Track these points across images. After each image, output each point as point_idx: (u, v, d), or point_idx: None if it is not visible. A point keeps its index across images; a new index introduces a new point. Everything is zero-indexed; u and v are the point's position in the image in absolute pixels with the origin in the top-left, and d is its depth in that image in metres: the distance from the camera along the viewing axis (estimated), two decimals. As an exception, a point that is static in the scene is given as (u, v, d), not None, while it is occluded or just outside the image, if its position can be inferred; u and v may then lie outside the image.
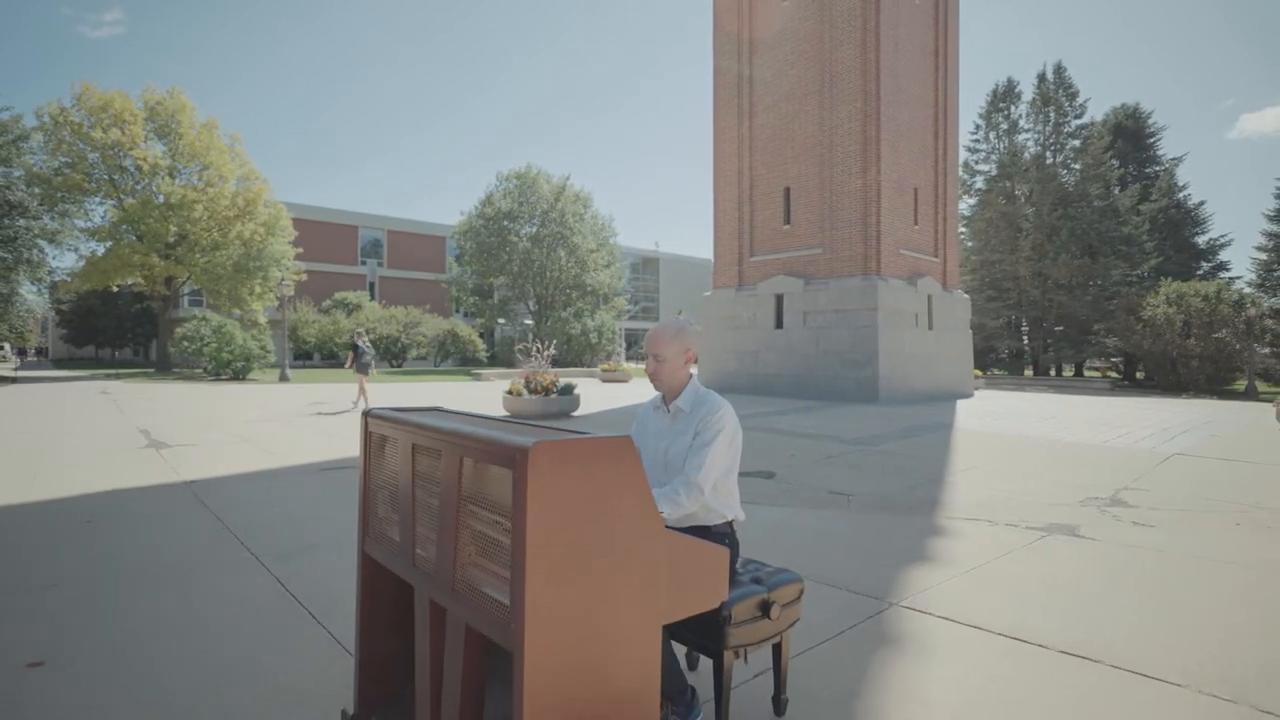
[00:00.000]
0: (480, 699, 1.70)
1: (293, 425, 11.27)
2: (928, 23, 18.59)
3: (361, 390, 14.48)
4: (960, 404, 16.33)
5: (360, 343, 14.81)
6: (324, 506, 5.66)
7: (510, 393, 12.95)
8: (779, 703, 2.34)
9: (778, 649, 2.32)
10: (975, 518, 5.62)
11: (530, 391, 12.72)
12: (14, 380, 23.71)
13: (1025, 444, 10.00)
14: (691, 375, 2.39)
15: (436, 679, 1.74)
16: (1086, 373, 41.74)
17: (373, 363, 15.57)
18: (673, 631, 2.17)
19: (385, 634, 2.09)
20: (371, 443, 2.06)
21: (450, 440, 1.63)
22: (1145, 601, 3.64)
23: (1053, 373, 39.98)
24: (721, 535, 2.30)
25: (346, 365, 17.14)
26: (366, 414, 2.09)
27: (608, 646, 1.50)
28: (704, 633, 2.13)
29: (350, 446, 8.98)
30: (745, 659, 2.19)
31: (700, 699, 2.29)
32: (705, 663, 2.73)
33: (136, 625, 3.18)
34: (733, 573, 2.26)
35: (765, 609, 2.17)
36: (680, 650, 2.66)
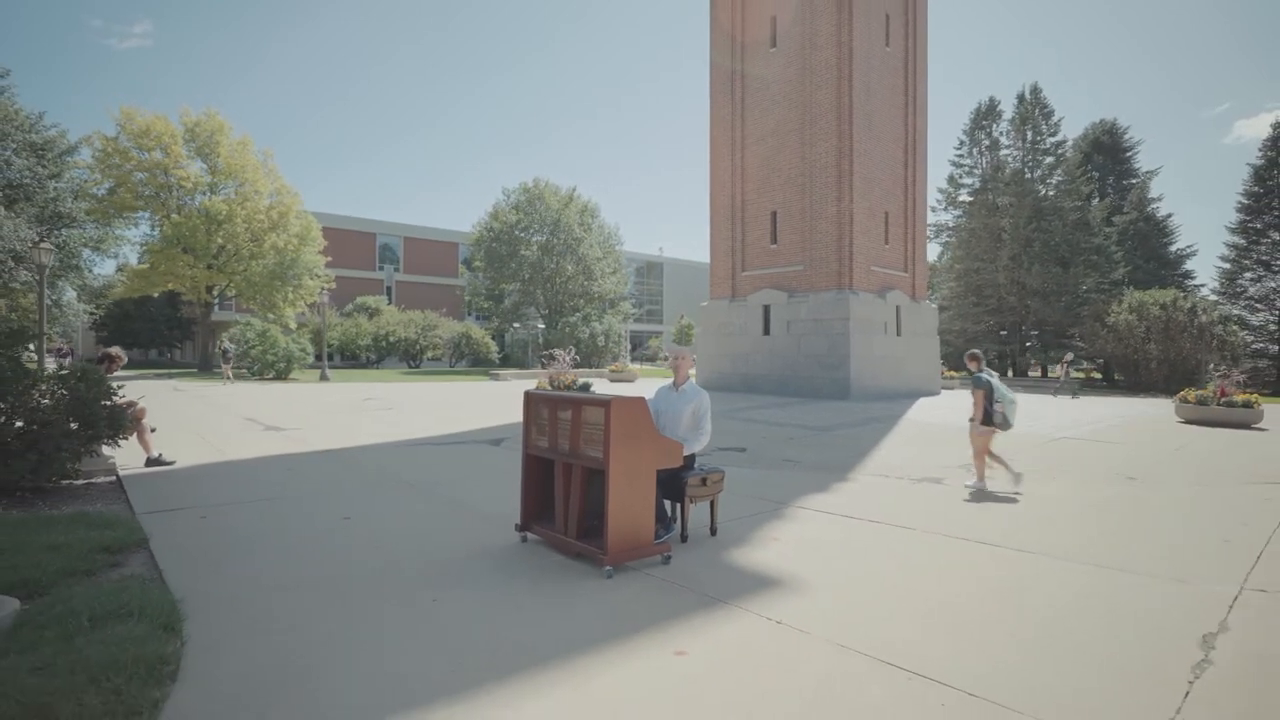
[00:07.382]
0: (584, 508, 4.27)
1: (361, 416, 13.86)
2: (898, 68, 21.13)
3: (227, 376, 25.00)
4: (921, 400, 18.85)
5: (227, 345, 26.67)
6: (431, 464, 8.24)
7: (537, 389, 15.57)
8: (713, 529, 4.93)
9: (713, 504, 4.90)
10: (877, 474, 8.17)
11: (554, 389, 15.32)
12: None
13: (951, 430, 12.52)
14: (690, 375, 5.01)
15: (565, 496, 4.31)
16: (1073, 373, 44.12)
17: (233, 359, 26.26)
18: (664, 491, 4.73)
19: (534, 488, 4.66)
20: (530, 405, 4.63)
21: (574, 400, 4.21)
22: (948, 509, 6.19)
23: (1038, 374, 42.39)
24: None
25: (224, 359, 25.97)
26: (526, 392, 4.66)
27: (634, 472, 4.06)
28: (676, 490, 4.71)
29: (418, 430, 11.57)
30: (694, 504, 4.76)
31: (674, 527, 4.88)
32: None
33: (381, 507, 5.79)
34: (691, 468, 4.84)
35: (704, 481, 4.75)
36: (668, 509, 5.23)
